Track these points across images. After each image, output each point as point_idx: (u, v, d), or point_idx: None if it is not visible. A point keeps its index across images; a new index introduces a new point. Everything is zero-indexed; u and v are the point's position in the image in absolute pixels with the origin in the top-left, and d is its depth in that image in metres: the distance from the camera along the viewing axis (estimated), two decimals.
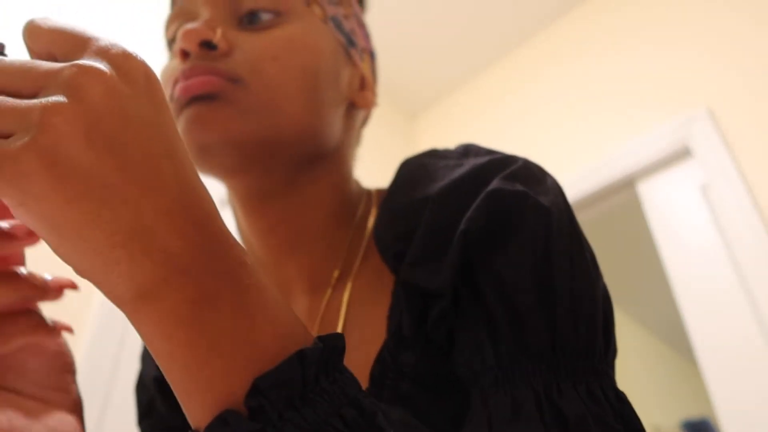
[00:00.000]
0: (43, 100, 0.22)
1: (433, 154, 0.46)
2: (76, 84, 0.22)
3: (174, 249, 0.23)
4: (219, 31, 0.42)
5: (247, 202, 0.46)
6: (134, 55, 0.25)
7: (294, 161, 0.44)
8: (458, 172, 0.40)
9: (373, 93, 0.51)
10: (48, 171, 0.21)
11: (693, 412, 3.32)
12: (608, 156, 1.81)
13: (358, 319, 0.42)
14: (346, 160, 0.50)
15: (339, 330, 0.41)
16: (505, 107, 2.23)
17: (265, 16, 0.45)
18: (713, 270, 1.52)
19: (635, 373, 3.35)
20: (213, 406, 0.23)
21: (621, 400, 0.32)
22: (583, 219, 1.88)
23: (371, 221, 0.48)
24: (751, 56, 1.64)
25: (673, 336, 3.52)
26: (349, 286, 0.44)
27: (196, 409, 0.23)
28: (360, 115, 0.52)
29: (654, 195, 1.71)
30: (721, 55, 1.70)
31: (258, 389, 0.23)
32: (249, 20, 0.45)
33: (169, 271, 0.23)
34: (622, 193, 1.82)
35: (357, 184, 0.52)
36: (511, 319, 0.33)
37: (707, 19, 1.77)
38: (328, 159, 0.47)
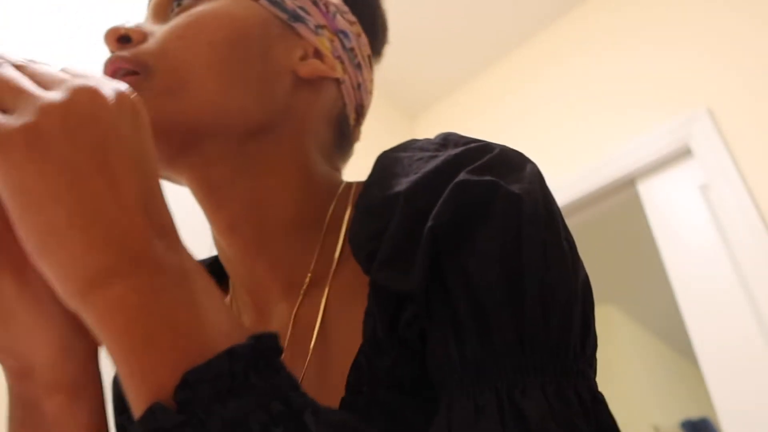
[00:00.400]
0: (50, 93, 0.26)
1: (410, 147, 0.44)
2: (75, 91, 0.26)
3: (129, 243, 0.25)
4: (131, 24, 0.43)
5: (202, 197, 0.45)
6: (128, 90, 0.29)
7: (229, 143, 0.43)
8: (430, 165, 0.38)
9: (332, 67, 0.48)
10: (30, 146, 0.24)
11: (693, 412, 3.32)
12: (608, 156, 1.81)
13: (337, 324, 0.40)
14: (304, 143, 0.46)
15: (315, 336, 0.40)
16: (505, 107, 2.23)
17: (186, 0, 0.44)
18: (713, 270, 1.52)
19: (635, 373, 3.35)
20: (147, 397, 0.24)
21: (597, 400, 0.31)
22: (583, 219, 1.89)
23: (348, 213, 0.45)
24: (751, 56, 1.64)
25: (673, 336, 3.52)
26: (326, 289, 0.42)
27: (133, 401, 0.25)
28: (328, 93, 0.49)
29: (654, 195, 1.71)
30: (721, 55, 1.70)
31: (187, 383, 0.24)
32: (174, 7, 0.45)
33: (120, 260, 0.25)
34: (623, 193, 1.82)
35: (332, 175, 0.49)
36: (476, 316, 0.31)
37: (707, 19, 1.77)
38: (276, 140, 0.45)
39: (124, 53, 0.42)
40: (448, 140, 0.42)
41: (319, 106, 0.48)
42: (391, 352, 0.34)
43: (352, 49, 0.51)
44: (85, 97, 0.27)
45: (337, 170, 0.51)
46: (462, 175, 0.35)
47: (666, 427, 3.17)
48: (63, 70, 0.29)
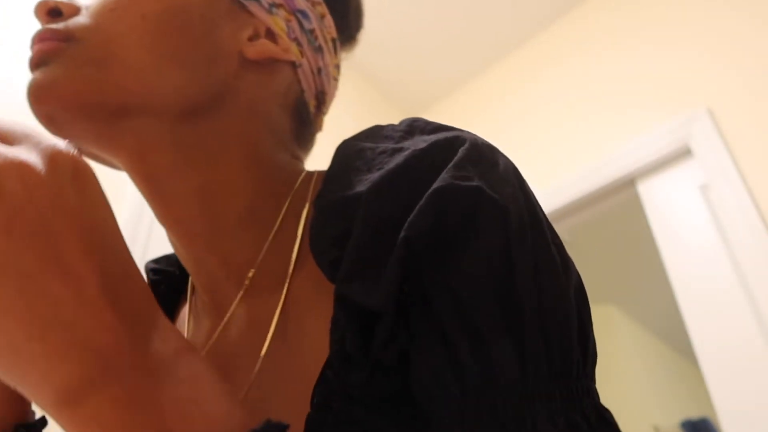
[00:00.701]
0: None
1: (373, 135, 0.40)
2: None
3: (98, 345, 0.22)
4: None
5: (144, 188, 0.41)
6: (63, 149, 0.25)
7: (163, 124, 0.40)
8: (395, 162, 0.34)
9: (285, 49, 0.45)
10: None
11: (693, 412, 3.32)
12: (608, 156, 1.81)
13: (297, 330, 0.36)
14: (253, 130, 0.43)
15: (268, 342, 0.37)
16: (505, 107, 2.23)
17: None
18: (713, 270, 1.52)
19: (635, 373, 3.35)
20: None
21: (603, 419, 0.29)
22: (583, 219, 1.89)
23: (307, 207, 0.41)
24: (751, 56, 1.64)
25: (673, 336, 3.52)
26: (284, 291, 0.38)
27: None
28: (281, 77, 0.45)
29: (654, 195, 1.72)
30: (721, 55, 1.70)
31: None
32: None
33: (92, 370, 0.22)
34: (623, 193, 1.82)
35: (290, 164, 0.45)
36: (472, 343, 0.28)
37: (707, 19, 1.77)
38: (218, 125, 0.41)
39: (54, 26, 0.39)
40: (413, 127, 0.39)
41: (272, 91, 0.45)
42: (363, 367, 0.30)
43: (312, 31, 0.47)
44: (11, 178, 0.22)
45: (298, 159, 0.47)
46: (442, 178, 0.31)
47: (666, 427, 3.18)
48: None
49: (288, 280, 0.38)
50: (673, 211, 1.65)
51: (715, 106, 1.65)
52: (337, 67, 0.52)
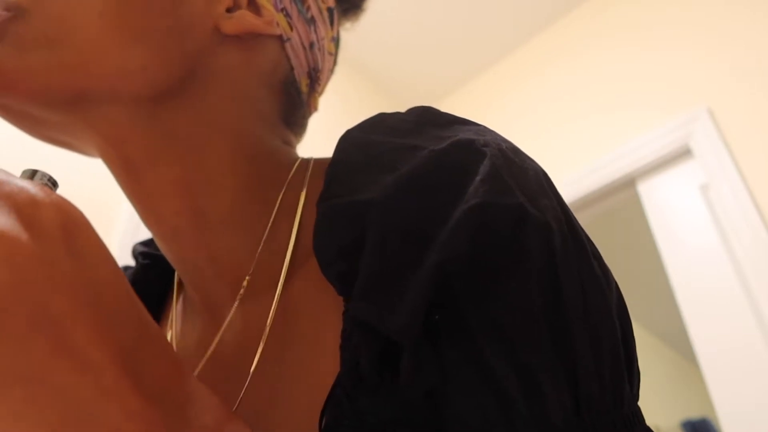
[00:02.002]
0: None
1: (379, 127, 0.36)
2: None
3: None
4: None
5: (122, 181, 0.37)
6: (44, 201, 0.20)
7: (136, 110, 0.35)
8: (411, 163, 0.30)
9: (268, 22, 0.39)
10: None
11: (693, 412, 3.32)
12: (608, 156, 1.81)
13: (296, 338, 0.33)
14: (237, 114, 0.38)
15: (260, 351, 0.33)
16: (505, 107, 2.23)
17: None
18: (713, 270, 1.52)
19: None
20: None
21: None
22: (583, 219, 1.89)
23: (302, 203, 0.38)
24: (751, 56, 1.64)
25: (673, 336, 3.52)
26: (276, 294, 0.35)
27: None
28: (267, 53, 0.40)
29: (654, 195, 1.72)
30: (721, 55, 1.70)
31: None
32: None
33: None
34: (623, 193, 1.83)
35: (282, 152, 0.41)
36: (521, 378, 0.26)
37: (707, 19, 1.77)
38: (196, 110, 0.37)
39: None
40: (424, 119, 0.35)
41: (256, 70, 0.40)
42: (380, 392, 0.27)
43: (303, 1, 0.42)
44: None
45: (290, 145, 0.43)
46: (475, 195, 0.28)
47: (666, 427, 3.17)
48: None
49: (282, 282, 0.35)
50: (673, 211, 1.65)
51: (715, 106, 1.65)
52: (335, 40, 0.46)
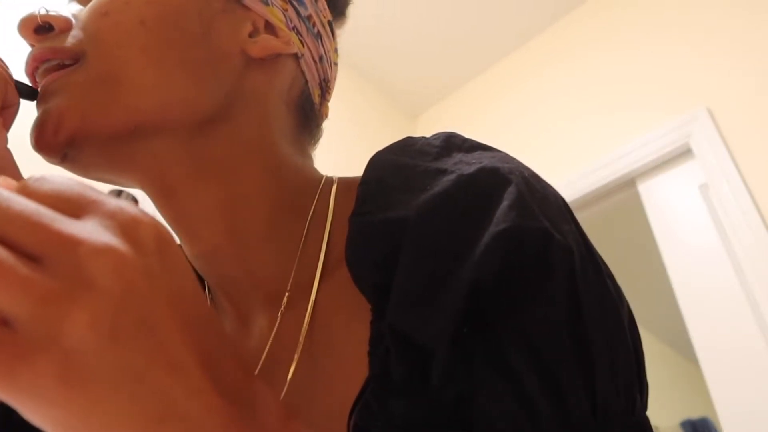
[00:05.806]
0: (58, 287, 0.18)
1: (408, 150, 0.38)
2: (90, 274, 0.19)
3: (211, 429, 0.21)
4: (49, 9, 0.37)
5: (161, 205, 0.40)
6: (142, 217, 0.22)
7: (177, 140, 0.38)
8: (441, 185, 0.33)
9: (286, 42, 0.42)
10: (63, 377, 0.18)
11: (693, 412, 3.32)
12: (608, 156, 1.81)
13: (327, 345, 0.35)
14: (267, 134, 0.41)
15: (297, 358, 0.35)
16: (505, 107, 2.23)
17: None
18: (713, 270, 1.52)
19: None
20: None
21: None
22: (583, 219, 1.88)
23: (330, 218, 0.40)
24: (751, 56, 1.64)
25: (673, 335, 3.52)
26: (310, 303, 0.37)
27: None
28: (285, 72, 0.43)
29: (654, 195, 1.72)
30: (721, 55, 1.70)
31: None
32: None
33: None
34: (623, 193, 1.83)
35: (307, 168, 0.43)
36: (548, 390, 0.28)
37: (707, 20, 1.77)
38: (231, 134, 0.39)
39: (50, 44, 0.36)
40: (450, 143, 0.38)
41: (278, 88, 0.42)
42: (408, 395, 0.29)
43: (309, 17, 0.44)
44: (104, 271, 0.19)
45: (309, 158, 0.46)
46: (506, 220, 0.30)
47: (666, 427, 3.17)
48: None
49: (314, 294, 0.37)
50: (674, 210, 1.65)
51: (715, 106, 1.65)
52: (336, 50, 0.50)
